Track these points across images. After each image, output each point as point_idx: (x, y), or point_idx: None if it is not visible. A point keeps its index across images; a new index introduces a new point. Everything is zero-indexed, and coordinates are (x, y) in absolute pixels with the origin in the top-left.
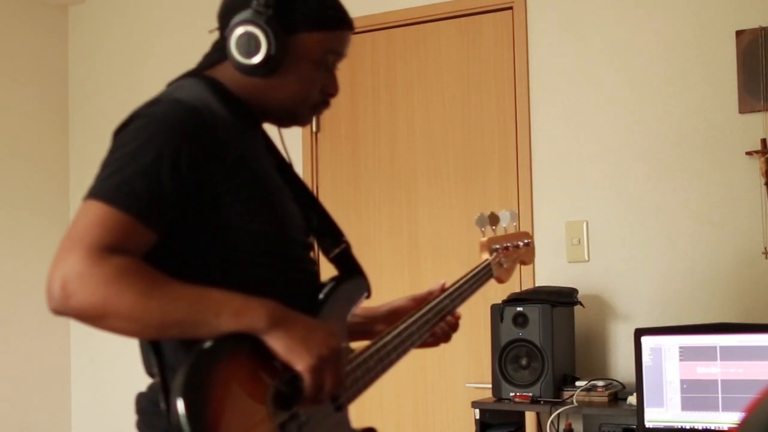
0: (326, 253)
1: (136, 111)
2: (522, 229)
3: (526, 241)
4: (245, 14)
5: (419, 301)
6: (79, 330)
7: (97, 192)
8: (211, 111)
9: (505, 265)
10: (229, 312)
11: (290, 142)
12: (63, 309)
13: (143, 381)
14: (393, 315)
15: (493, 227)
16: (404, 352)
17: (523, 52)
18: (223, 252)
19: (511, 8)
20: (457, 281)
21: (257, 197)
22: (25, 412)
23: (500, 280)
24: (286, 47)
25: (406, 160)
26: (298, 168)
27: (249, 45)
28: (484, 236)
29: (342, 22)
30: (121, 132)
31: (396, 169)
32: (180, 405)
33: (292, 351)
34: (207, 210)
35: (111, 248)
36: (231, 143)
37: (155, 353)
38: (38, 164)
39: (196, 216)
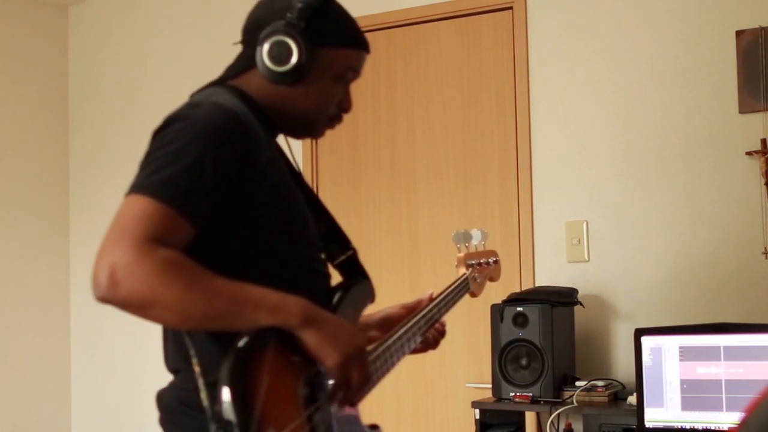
0: (331, 260)
1: (177, 113)
2: (522, 230)
3: (494, 259)
4: (278, 25)
5: (410, 309)
6: (79, 330)
7: (142, 187)
8: (247, 117)
9: (478, 280)
10: (267, 308)
11: (290, 141)
12: (110, 297)
13: (143, 381)
14: (385, 322)
15: (467, 244)
16: (402, 355)
17: (523, 52)
18: (251, 250)
19: (511, 8)
20: (442, 292)
21: (283, 200)
22: (25, 412)
23: (474, 295)
24: (314, 58)
25: (406, 160)
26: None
27: (281, 53)
28: (460, 252)
29: (364, 43)
30: (161, 133)
31: (396, 169)
32: (226, 393)
33: (322, 348)
34: (240, 209)
35: (157, 240)
36: (262, 148)
37: (192, 345)
38: (38, 164)
39: (230, 214)
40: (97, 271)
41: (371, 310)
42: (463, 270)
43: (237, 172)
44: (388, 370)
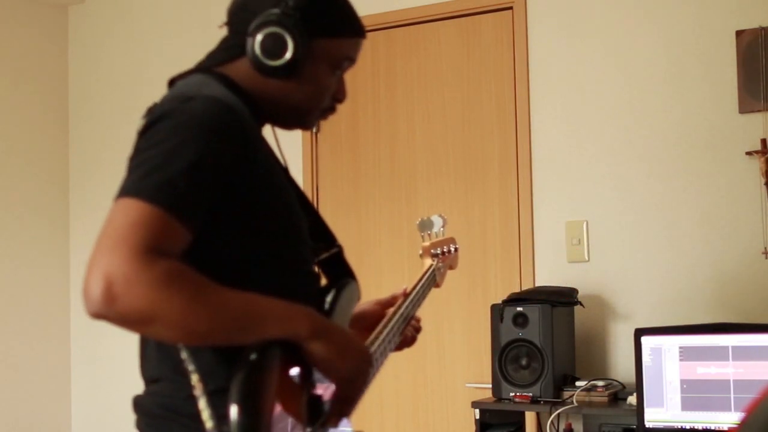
0: (315, 257)
1: (167, 108)
2: (522, 230)
3: (454, 246)
4: (272, 16)
5: (384, 305)
6: (79, 330)
7: (137, 190)
8: (241, 110)
9: (441, 270)
10: (275, 319)
11: (290, 141)
12: (105, 313)
13: (143, 382)
14: (360, 319)
15: (429, 232)
16: (386, 357)
17: (523, 52)
18: (253, 253)
19: (511, 8)
20: (414, 286)
21: (279, 198)
22: (25, 412)
23: (437, 286)
24: (309, 51)
25: (406, 160)
26: (298, 168)
27: (275, 47)
28: (424, 241)
29: (359, 30)
30: (151, 129)
31: (396, 169)
32: (235, 410)
33: (329, 361)
34: (241, 210)
35: (156, 250)
36: (258, 143)
37: (188, 354)
38: (38, 164)
39: (230, 216)
40: (89, 284)
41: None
42: (429, 261)
43: (237, 171)
44: (374, 375)
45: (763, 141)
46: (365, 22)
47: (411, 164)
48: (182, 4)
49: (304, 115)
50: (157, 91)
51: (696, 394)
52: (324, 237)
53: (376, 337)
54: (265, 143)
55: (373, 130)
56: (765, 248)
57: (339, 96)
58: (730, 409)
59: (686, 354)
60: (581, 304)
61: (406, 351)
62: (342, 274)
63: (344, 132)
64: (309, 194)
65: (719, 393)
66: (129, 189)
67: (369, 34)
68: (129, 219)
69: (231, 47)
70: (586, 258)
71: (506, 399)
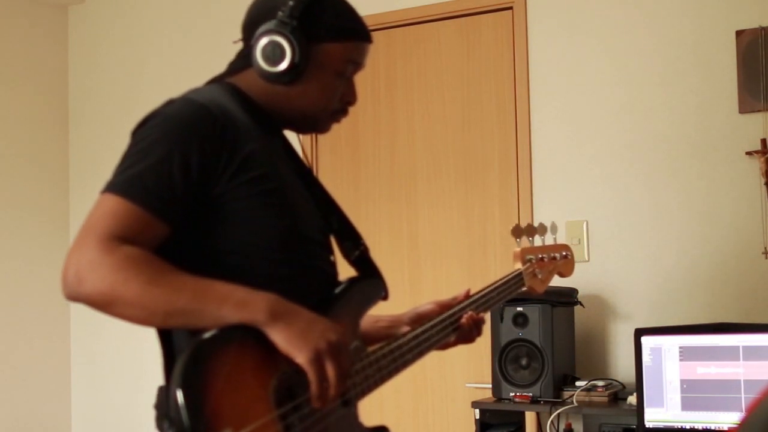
0: (347, 256)
1: (153, 111)
2: None
3: (564, 253)
4: (270, 24)
5: (444, 307)
6: (79, 330)
7: (111, 185)
8: (222, 110)
9: (539, 276)
10: (232, 303)
11: (290, 141)
12: (75, 295)
13: (143, 381)
14: (418, 319)
15: (530, 238)
16: (420, 354)
17: (523, 52)
18: (235, 246)
19: (511, 8)
20: (485, 288)
21: (269, 194)
22: (25, 412)
23: (533, 290)
24: (309, 56)
25: (406, 160)
26: None
27: (274, 54)
28: (518, 246)
29: (362, 34)
30: (138, 130)
31: (396, 169)
32: (179, 395)
33: (291, 343)
34: (218, 204)
35: (121, 238)
36: (241, 141)
37: (164, 343)
38: (38, 164)
39: (208, 210)
40: (65, 270)
41: (386, 310)
42: (518, 265)
43: (208, 166)
44: (398, 368)
45: (763, 141)
46: (366, 23)
47: (411, 164)
48: (181, 4)
49: (313, 119)
50: (156, 91)
51: (696, 394)
52: (350, 237)
53: (407, 335)
54: (269, 144)
55: (373, 130)
56: (765, 248)
57: (349, 99)
58: (729, 409)
59: (686, 354)
60: (581, 304)
61: None
62: (368, 272)
63: (344, 132)
64: None
65: (719, 393)
66: (107, 185)
67: None
68: (100, 211)
69: (242, 59)
70: (586, 258)
71: (506, 399)
